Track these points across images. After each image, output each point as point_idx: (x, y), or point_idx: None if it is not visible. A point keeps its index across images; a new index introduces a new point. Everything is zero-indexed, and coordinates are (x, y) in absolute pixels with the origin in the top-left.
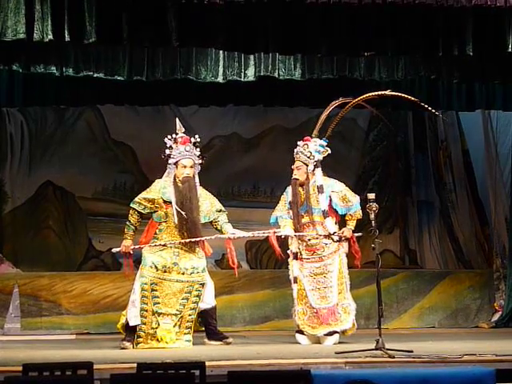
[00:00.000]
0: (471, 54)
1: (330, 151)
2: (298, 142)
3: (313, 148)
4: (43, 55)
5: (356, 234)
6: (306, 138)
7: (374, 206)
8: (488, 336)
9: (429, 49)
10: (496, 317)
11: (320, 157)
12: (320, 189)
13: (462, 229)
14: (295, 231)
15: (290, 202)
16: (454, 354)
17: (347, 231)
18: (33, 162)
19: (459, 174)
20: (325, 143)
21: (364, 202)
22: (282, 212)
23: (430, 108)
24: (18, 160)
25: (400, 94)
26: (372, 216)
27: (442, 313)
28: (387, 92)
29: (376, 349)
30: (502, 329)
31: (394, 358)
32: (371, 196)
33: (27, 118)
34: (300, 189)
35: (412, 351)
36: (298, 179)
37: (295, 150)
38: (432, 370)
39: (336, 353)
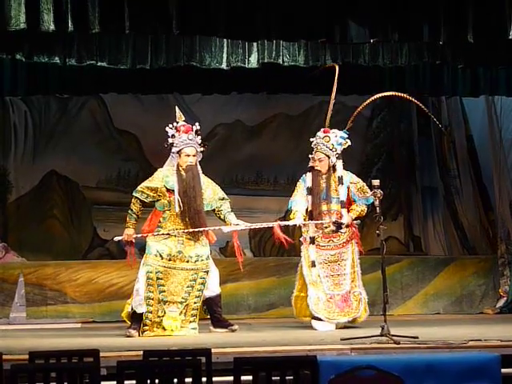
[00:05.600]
0: (472, 41)
1: (350, 143)
2: (318, 133)
3: (334, 140)
4: (46, 45)
5: (355, 222)
6: (325, 130)
7: (379, 192)
8: (493, 322)
9: (431, 36)
10: (501, 302)
11: (341, 148)
12: (340, 180)
13: (466, 215)
14: (313, 219)
15: (308, 188)
16: (459, 339)
17: (348, 218)
18: (37, 151)
19: (463, 160)
20: (345, 135)
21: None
22: (300, 197)
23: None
24: (21, 149)
25: (416, 102)
26: (376, 203)
27: (447, 299)
28: (407, 96)
29: (381, 335)
30: (507, 314)
31: (399, 344)
32: (375, 182)
33: (31, 108)
34: (320, 178)
35: (417, 337)
36: (320, 171)
37: (314, 141)
38: (437, 356)
39: (342, 339)
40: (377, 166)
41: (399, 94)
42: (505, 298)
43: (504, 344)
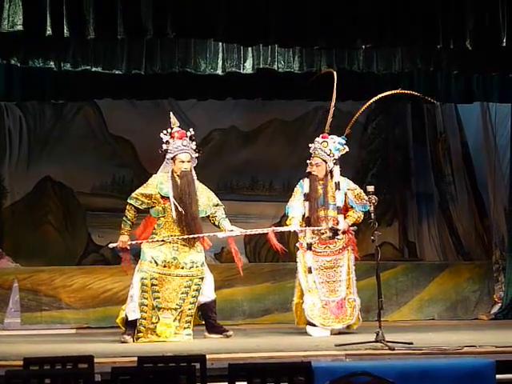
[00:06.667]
0: (470, 48)
1: (347, 149)
2: (317, 139)
3: (332, 146)
4: (41, 49)
5: (352, 228)
6: (323, 136)
7: (374, 198)
8: (487, 328)
9: (428, 41)
10: (495, 308)
11: (339, 154)
12: (337, 185)
13: (461, 221)
14: (311, 225)
15: (305, 194)
16: (454, 345)
17: (345, 224)
18: (31, 157)
19: (458, 166)
20: (343, 141)
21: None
22: (297, 203)
23: (431, 99)
24: (16, 155)
25: (410, 92)
26: (371, 208)
27: (442, 305)
28: (399, 90)
29: (376, 341)
30: (502, 320)
31: (393, 350)
32: (370, 188)
33: (25, 113)
34: (317, 184)
35: (412, 343)
36: (317, 176)
37: (312, 146)
38: (432, 362)
39: (336, 345)
40: (372, 171)
41: (394, 91)
42: (499, 304)
43: (499, 350)
